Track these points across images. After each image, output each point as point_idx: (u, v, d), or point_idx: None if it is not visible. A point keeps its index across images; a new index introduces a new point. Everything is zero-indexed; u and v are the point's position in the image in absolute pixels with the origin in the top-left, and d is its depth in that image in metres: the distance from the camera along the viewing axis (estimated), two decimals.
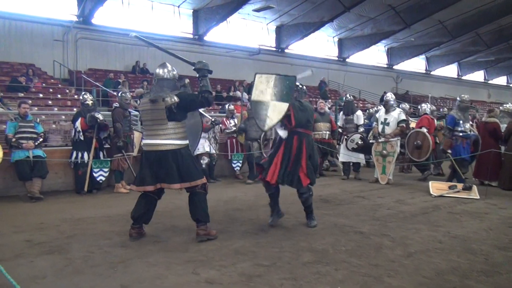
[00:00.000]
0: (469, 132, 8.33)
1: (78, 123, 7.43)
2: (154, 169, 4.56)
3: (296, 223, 5.50)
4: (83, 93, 8.16)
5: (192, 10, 20.18)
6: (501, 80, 37.76)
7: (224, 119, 9.90)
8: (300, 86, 5.53)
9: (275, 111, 4.93)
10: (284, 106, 4.93)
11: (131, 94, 11.89)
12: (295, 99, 5.20)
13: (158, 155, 4.52)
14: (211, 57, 20.75)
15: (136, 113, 10.53)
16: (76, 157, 7.48)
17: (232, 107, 10.26)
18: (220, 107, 14.80)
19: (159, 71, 4.67)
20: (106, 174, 7.73)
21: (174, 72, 4.72)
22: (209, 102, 4.72)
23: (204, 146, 9.11)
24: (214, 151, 9.33)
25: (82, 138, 7.45)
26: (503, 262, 4.03)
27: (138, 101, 11.83)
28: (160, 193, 4.84)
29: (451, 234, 5.01)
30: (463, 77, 34.31)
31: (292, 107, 5.01)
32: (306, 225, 5.36)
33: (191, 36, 20.38)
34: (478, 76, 35.76)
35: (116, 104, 8.21)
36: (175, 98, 4.47)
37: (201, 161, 9.08)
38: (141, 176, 4.65)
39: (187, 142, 4.66)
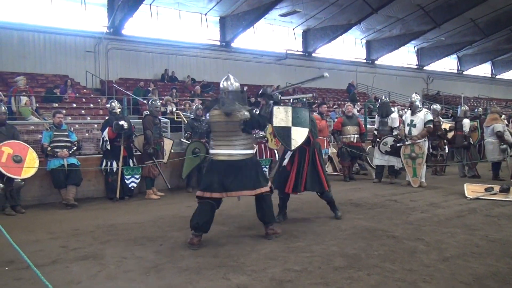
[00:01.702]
0: None
1: (105, 132, 7.58)
2: (223, 177, 4.71)
3: (327, 228, 5.43)
4: (110, 101, 8.32)
5: (219, 18, 20.38)
6: None
7: None
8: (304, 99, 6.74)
9: (298, 135, 5.58)
10: (305, 131, 5.61)
11: (161, 101, 12.12)
12: (306, 108, 6.00)
13: (231, 164, 4.74)
14: (238, 63, 20.96)
15: (166, 120, 10.72)
16: (106, 165, 7.64)
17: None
18: None
19: (226, 84, 4.82)
20: (137, 181, 7.86)
21: (237, 84, 4.89)
22: (264, 127, 5.94)
23: None
24: None
25: (108, 147, 7.58)
26: None
27: (169, 109, 12.03)
28: (220, 202, 4.93)
29: (489, 237, 4.84)
30: (498, 76, 33.27)
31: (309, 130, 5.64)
32: (333, 217, 5.92)
33: (219, 43, 20.58)
34: None
35: (146, 112, 8.35)
36: (247, 114, 4.73)
37: None
38: (209, 182, 4.76)
39: (254, 151, 5.04)
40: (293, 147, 5.60)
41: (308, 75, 22.77)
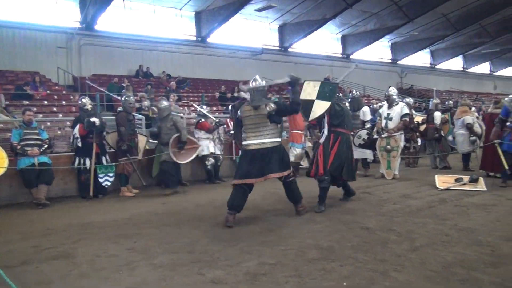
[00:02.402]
0: None
1: (76, 130, 7.45)
2: (259, 164, 5.42)
3: (302, 221, 5.48)
4: (81, 97, 8.17)
5: (194, 13, 20.22)
6: (507, 71, 37.37)
7: (229, 120, 9.91)
8: (338, 94, 6.90)
9: (318, 107, 6.13)
10: (327, 105, 6.12)
11: (135, 97, 11.97)
12: (334, 85, 6.50)
13: (264, 151, 5.45)
14: (214, 58, 20.87)
15: (141, 116, 10.60)
16: (79, 163, 7.51)
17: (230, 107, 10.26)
18: (224, 107, 14.81)
19: (254, 83, 5.54)
20: (111, 179, 7.75)
21: (263, 82, 5.59)
22: (296, 111, 5.98)
23: (209, 147, 9.13)
24: (219, 152, 9.34)
25: (80, 144, 7.46)
26: (510, 253, 3.99)
27: (144, 105, 11.89)
28: (252, 187, 5.58)
29: (457, 226, 4.97)
30: (468, 70, 34.06)
31: (331, 107, 6.15)
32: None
33: (194, 38, 20.43)
34: (483, 68, 35.49)
35: (120, 109, 8.24)
36: (273, 105, 5.43)
37: (206, 162, 9.11)
38: (245, 170, 5.44)
39: (280, 139, 5.65)
40: (310, 118, 6.24)
41: (284, 70, 22.83)
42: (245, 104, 5.65)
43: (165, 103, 8.24)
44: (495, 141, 7.60)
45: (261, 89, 5.52)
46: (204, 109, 9.56)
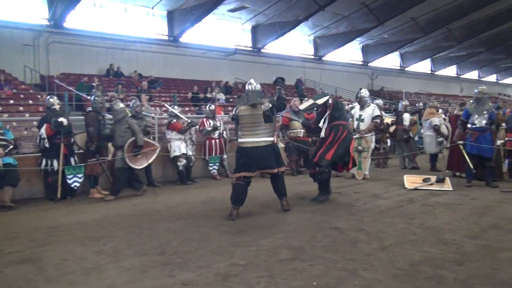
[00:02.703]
0: (479, 125, 7.73)
1: (43, 130, 7.24)
2: (254, 160, 5.84)
3: (274, 221, 5.51)
4: (48, 97, 7.94)
5: (166, 12, 19.99)
6: (473, 75, 38.58)
7: (204, 119, 9.87)
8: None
9: (320, 100, 6.91)
10: (324, 97, 6.93)
11: (106, 97, 11.74)
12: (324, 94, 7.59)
13: (258, 149, 5.84)
14: (187, 58, 20.71)
15: (110, 116, 10.40)
16: (46, 165, 7.30)
17: (213, 107, 10.23)
18: (197, 108, 14.72)
19: (250, 87, 6.01)
20: (80, 180, 7.59)
21: (259, 86, 6.08)
22: (284, 106, 6.39)
23: (181, 147, 9.06)
24: (191, 153, 9.28)
25: (47, 145, 7.26)
26: (474, 251, 4.12)
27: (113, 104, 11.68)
28: (249, 181, 5.96)
29: (424, 226, 5.10)
30: (436, 72, 34.92)
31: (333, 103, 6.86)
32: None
33: (166, 37, 20.19)
34: (450, 71, 36.44)
35: (89, 108, 8.07)
36: (268, 104, 5.85)
37: (178, 163, 9.04)
38: (243, 165, 5.89)
39: (273, 139, 6.08)
40: (301, 107, 7.49)
41: (257, 70, 23.00)
42: (241, 103, 6.08)
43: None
44: (459, 142, 7.84)
45: (257, 91, 5.98)
46: (176, 110, 9.48)
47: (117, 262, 4.06)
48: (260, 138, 5.86)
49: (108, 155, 8.06)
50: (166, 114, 10.75)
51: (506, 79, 43.02)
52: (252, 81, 6.08)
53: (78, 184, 7.57)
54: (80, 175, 7.55)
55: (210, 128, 9.62)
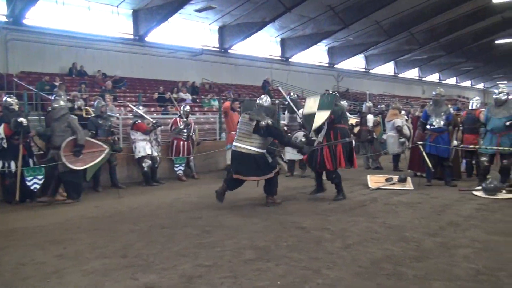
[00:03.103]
0: (437, 126, 8.00)
1: (0, 130, 6.96)
2: (236, 164, 6.41)
3: (240, 222, 5.51)
4: (6, 96, 7.64)
5: (132, 11, 19.63)
6: (434, 77, 39.87)
7: (178, 119, 9.76)
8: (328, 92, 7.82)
9: (319, 117, 6.78)
10: (326, 113, 6.75)
11: (68, 97, 11.42)
12: (332, 95, 7.11)
13: (239, 154, 6.37)
14: (153, 58, 20.42)
15: (74, 117, 10.13)
16: (3, 166, 7.02)
17: (188, 108, 10.14)
18: (163, 108, 14.55)
19: (260, 101, 6.70)
20: (40, 182, 7.33)
21: (269, 101, 6.74)
22: (279, 137, 6.80)
23: (146, 148, 8.94)
24: (156, 154, 9.16)
25: (5, 145, 6.98)
26: (432, 248, 4.26)
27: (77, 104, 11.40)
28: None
29: (386, 224, 5.23)
30: (400, 75, 35.86)
31: (332, 111, 6.82)
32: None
33: (132, 36, 19.82)
34: (413, 73, 37.52)
35: (50, 108, 7.83)
36: (269, 122, 6.33)
37: (143, 164, 8.91)
38: (235, 168, 6.46)
39: (262, 150, 6.39)
40: (312, 129, 6.89)
41: (224, 71, 23.01)
42: (246, 112, 6.63)
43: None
44: (419, 142, 8.09)
45: (266, 107, 6.58)
46: (141, 110, 9.34)
47: (78, 265, 3.96)
48: (246, 146, 6.34)
49: None
50: (131, 114, 10.58)
51: (465, 81, 44.75)
52: (262, 96, 6.79)
53: (38, 186, 7.32)
54: (40, 177, 7.29)
55: (181, 127, 9.54)
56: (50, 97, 11.15)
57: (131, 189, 8.57)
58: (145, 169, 8.93)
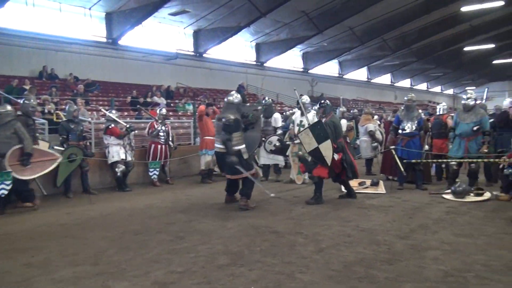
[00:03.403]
0: (409, 131, 8.17)
1: None
2: (221, 164, 6.73)
3: (213, 227, 5.49)
4: None
5: (105, 13, 19.36)
6: (406, 83, 40.72)
7: (154, 122, 9.65)
8: (326, 102, 7.53)
9: (325, 150, 6.79)
10: (329, 143, 6.78)
11: (39, 100, 11.16)
12: (318, 122, 7.11)
13: (219, 154, 6.67)
14: (127, 61, 20.19)
15: (43, 121, 9.91)
16: None
17: (164, 111, 10.05)
18: (136, 113, 14.36)
19: (230, 98, 6.76)
20: (8, 187, 7.08)
21: (237, 99, 6.76)
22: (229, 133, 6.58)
23: (120, 153, 8.81)
24: (130, 158, 9.04)
25: None
26: (403, 250, 4.34)
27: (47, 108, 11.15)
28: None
29: (359, 227, 5.30)
30: (372, 80, 36.49)
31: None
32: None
33: (105, 40, 19.54)
34: (385, 79, 38.22)
35: (19, 112, 7.62)
36: (231, 117, 6.44)
37: (116, 169, 8.77)
38: (221, 167, 6.90)
39: (238, 148, 6.51)
40: (329, 163, 6.79)
41: (199, 75, 22.90)
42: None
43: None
44: (391, 147, 8.24)
45: (232, 103, 6.67)
46: (113, 114, 9.21)
47: (47, 274, 3.87)
48: (220, 145, 6.59)
49: None
50: (103, 119, 10.41)
51: (435, 87, 45.89)
52: (233, 92, 6.90)
53: (5, 192, 7.08)
54: (8, 182, 7.04)
55: (156, 131, 9.45)
56: (19, 100, 10.89)
57: (103, 194, 8.42)
58: (118, 174, 8.79)
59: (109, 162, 8.84)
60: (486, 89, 15.64)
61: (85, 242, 4.90)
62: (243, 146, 6.65)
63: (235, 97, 6.79)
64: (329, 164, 6.82)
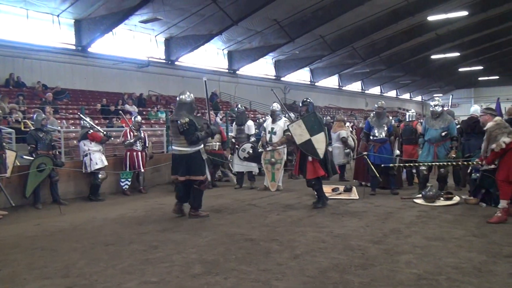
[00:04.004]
0: (380, 137, 8.39)
1: None
2: (180, 166, 6.34)
3: (188, 236, 5.42)
4: None
5: (74, 20, 19.01)
6: (376, 90, 41.57)
7: (128, 130, 9.49)
8: (309, 100, 7.35)
9: (319, 142, 6.69)
10: (322, 136, 6.72)
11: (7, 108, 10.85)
12: (312, 114, 7.02)
13: (178, 156, 6.39)
14: (97, 69, 19.87)
15: (10, 130, 9.62)
16: None
17: (139, 118, 9.93)
18: (107, 121, 14.12)
19: (181, 96, 6.44)
20: None
21: (189, 98, 6.44)
22: (197, 141, 6.37)
23: (103, 159, 8.70)
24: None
25: None
26: (377, 255, 4.39)
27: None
28: (190, 183, 6.40)
29: (333, 233, 5.33)
30: (344, 88, 37.08)
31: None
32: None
33: (74, 47, 19.17)
34: (356, 86, 38.91)
35: None
36: (186, 120, 6.16)
37: (99, 175, 8.61)
38: (174, 169, 6.50)
39: (198, 148, 6.35)
40: (321, 156, 6.72)
41: (171, 83, 22.74)
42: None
43: None
44: (364, 153, 8.37)
45: (185, 103, 6.37)
46: (89, 121, 9.08)
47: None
48: (179, 147, 6.33)
49: (7, 172, 7.41)
50: (73, 127, 10.19)
51: (404, 94, 47.01)
52: (185, 90, 6.54)
53: None
54: None
55: (132, 140, 9.31)
56: None
57: (74, 205, 8.22)
58: (99, 180, 8.63)
59: (91, 170, 8.61)
60: (451, 96, 16.19)
61: (55, 254, 4.75)
62: (202, 146, 6.51)
63: (188, 95, 6.44)
64: (321, 157, 6.76)
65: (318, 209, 6.92)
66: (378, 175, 8.04)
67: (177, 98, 6.50)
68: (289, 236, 5.23)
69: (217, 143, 9.81)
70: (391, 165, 8.10)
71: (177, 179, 6.45)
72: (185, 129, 6.15)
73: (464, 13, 23.45)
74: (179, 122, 6.18)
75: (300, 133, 6.78)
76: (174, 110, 6.46)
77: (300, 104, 7.53)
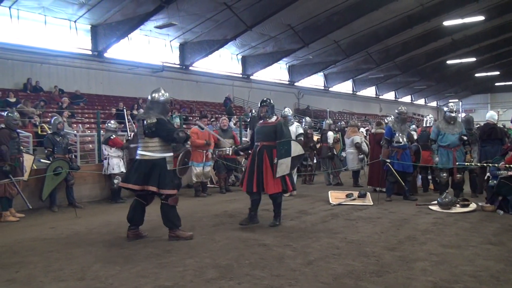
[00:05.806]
0: (403, 143, 8.28)
1: None
2: (139, 172, 5.37)
3: (201, 240, 5.43)
4: None
5: (90, 26, 19.32)
6: (390, 95, 41.31)
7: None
8: (268, 100, 6.71)
9: (296, 149, 6.34)
10: (294, 143, 6.52)
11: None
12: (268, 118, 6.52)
13: (142, 162, 5.40)
14: (112, 74, 20.12)
15: (27, 134, 9.79)
16: None
17: None
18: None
19: (153, 94, 5.57)
20: None
21: (163, 98, 5.56)
22: (178, 141, 5.62)
23: (120, 166, 8.83)
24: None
25: None
26: (392, 262, 4.35)
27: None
28: (147, 198, 5.59)
29: (347, 239, 5.30)
30: (358, 93, 36.91)
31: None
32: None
33: (90, 52, 19.47)
34: (370, 91, 38.71)
35: (2, 125, 7.51)
36: (154, 120, 5.33)
37: (114, 180, 8.71)
38: (127, 176, 5.65)
39: (164, 155, 5.44)
40: (277, 176, 6.12)
41: (185, 87, 22.89)
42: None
43: None
44: (387, 160, 8.15)
45: (156, 101, 5.54)
46: (113, 125, 9.20)
47: None
48: (144, 152, 5.41)
49: (24, 175, 7.53)
50: (89, 131, 10.31)
51: (419, 100, 46.61)
52: (160, 88, 5.67)
53: None
54: None
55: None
56: (1, 113, 10.72)
57: (89, 208, 8.31)
58: (115, 185, 8.73)
59: (108, 173, 8.79)
60: (460, 102, 16.02)
61: (70, 257, 4.80)
62: (170, 154, 5.57)
63: (162, 94, 5.54)
64: (276, 176, 6.11)
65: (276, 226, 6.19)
66: (403, 183, 7.93)
67: (149, 97, 5.61)
68: (303, 242, 5.20)
69: (231, 148, 9.81)
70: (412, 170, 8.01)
71: (129, 187, 5.47)
72: (152, 130, 5.31)
73: (481, 18, 23.21)
74: (145, 122, 5.33)
75: (285, 164, 6.19)
76: (144, 109, 5.66)
77: (259, 105, 6.74)
